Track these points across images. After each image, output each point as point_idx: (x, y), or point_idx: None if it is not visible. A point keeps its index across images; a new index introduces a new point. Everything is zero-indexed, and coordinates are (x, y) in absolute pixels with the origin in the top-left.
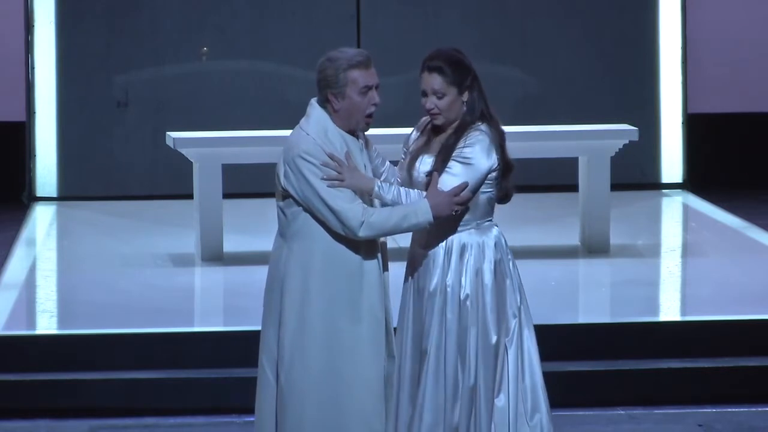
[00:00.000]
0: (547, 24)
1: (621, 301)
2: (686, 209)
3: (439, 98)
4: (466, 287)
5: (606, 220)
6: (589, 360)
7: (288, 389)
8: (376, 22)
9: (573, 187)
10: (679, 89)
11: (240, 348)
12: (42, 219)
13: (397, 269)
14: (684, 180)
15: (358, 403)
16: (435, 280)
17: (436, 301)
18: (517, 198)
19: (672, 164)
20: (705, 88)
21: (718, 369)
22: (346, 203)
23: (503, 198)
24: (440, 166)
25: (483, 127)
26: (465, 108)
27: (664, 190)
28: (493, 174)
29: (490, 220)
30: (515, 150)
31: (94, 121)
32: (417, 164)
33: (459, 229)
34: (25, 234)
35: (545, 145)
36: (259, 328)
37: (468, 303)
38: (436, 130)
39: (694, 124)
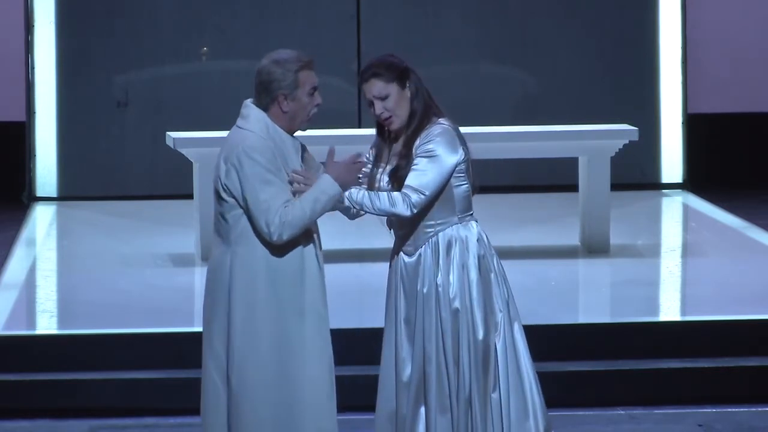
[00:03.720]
0: (547, 24)
1: (621, 301)
2: (686, 209)
3: (384, 100)
4: (454, 284)
5: (606, 220)
6: (589, 360)
7: (241, 393)
8: (376, 21)
9: (573, 187)
10: (679, 89)
11: None
12: (42, 219)
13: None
14: (684, 180)
15: (308, 403)
16: (427, 282)
17: (430, 303)
18: (517, 198)
19: (672, 164)
20: (705, 88)
21: (718, 369)
22: (276, 208)
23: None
24: (403, 162)
25: (443, 120)
26: (413, 102)
27: (664, 190)
28: (462, 166)
29: (471, 215)
30: (516, 150)
31: (94, 121)
32: (378, 176)
33: (442, 225)
34: (25, 234)
35: (545, 145)
36: None
37: (457, 302)
38: (394, 138)
39: (694, 124)
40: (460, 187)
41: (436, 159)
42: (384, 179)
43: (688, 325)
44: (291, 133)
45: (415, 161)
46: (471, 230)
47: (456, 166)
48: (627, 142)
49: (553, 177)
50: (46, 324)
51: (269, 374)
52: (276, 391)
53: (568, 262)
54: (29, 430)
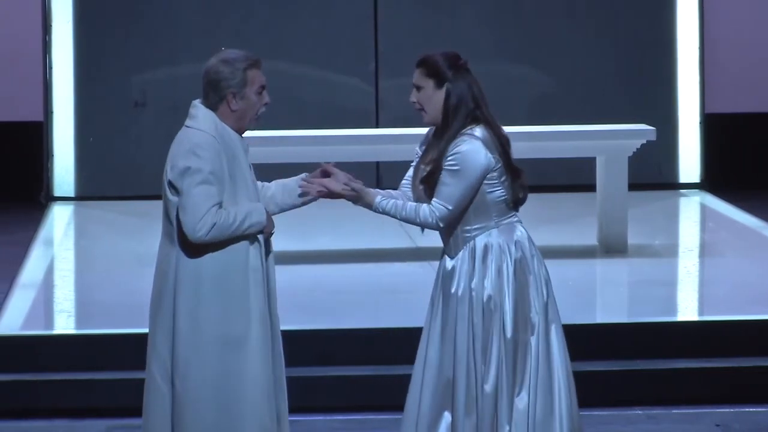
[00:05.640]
0: (563, 24)
1: (638, 301)
2: (704, 209)
3: (418, 90)
4: (488, 288)
5: (623, 220)
6: (606, 360)
7: (185, 396)
8: (393, 22)
9: (591, 187)
10: (697, 89)
11: None
12: (59, 219)
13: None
14: (701, 180)
15: (251, 404)
16: (462, 286)
17: (464, 307)
18: (535, 198)
19: (689, 164)
20: (723, 88)
21: (736, 369)
22: (207, 207)
23: (516, 202)
24: (434, 168)
25: (476, 131)
26: (445, 103)
27: (681, 190)
28: (494, 173)
29: (512, 217)
30: (533, 150)
31: (111, 121)
32: (420, 174)
33: (479, 230)
34: (42, 234)
35: (563, 145)
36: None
37: (491, 305)
38: (436, 135)
39: (711, 124)
40: (494, 192)
41: (458, 173)
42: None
43: (706, 325)
44: (239, 132)
45: (442, 173)
46: (510, 234)
47: (485, 175)
48: (644, 141)
49: (571, 177)
50: (64, 324)
51: (212, 375)
52: (219, 394)
53: (586, 262)
54: (46, 429)
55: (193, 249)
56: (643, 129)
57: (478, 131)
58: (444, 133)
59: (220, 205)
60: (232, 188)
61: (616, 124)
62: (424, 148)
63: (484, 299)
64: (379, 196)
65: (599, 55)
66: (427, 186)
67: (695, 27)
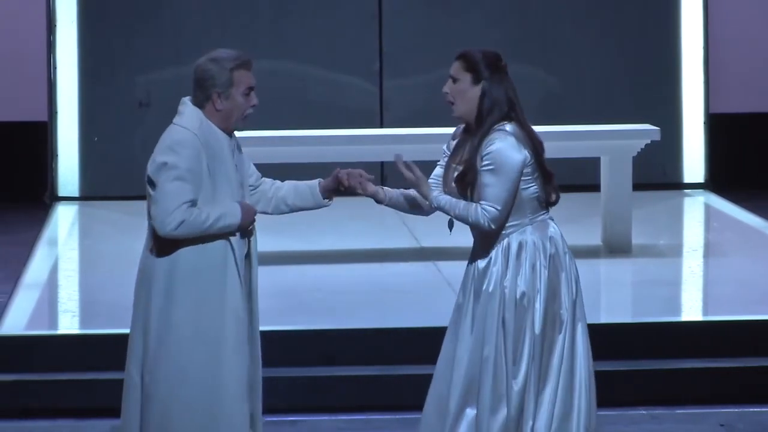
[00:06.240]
0: (568, 24)
1: (642, 301)
2: (708, 209)
3: (454, 82)
4: (522, 285)
5: (628, 220)
6: (610, 360)
7: (154, 391)
8: (397, 21)
9: (595, 187)
10: (701, 89)
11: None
12: (64, 219)
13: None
14: (706, 180)
15: (223, 405)
16: (493, 283)
17: (494, 303)
18: None
19: (694, 164)
20: (727, 88)
21: (740, 369)
22: (179, 203)
23: (549, 203)
24: (468, 167)
25: (507, 126)
26: (480, 101)
27: (685, 190)
28: (528, 169)
29: (544, 214)
30: None
31: (116, 121)
32: (451, 173)
33: (514, 227)
34: (47, 234)
35: (567, 144)
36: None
37: (524, 301)
38: (467, 131)
39: (716, 124)
40: (528, 189)
41: (495, 171)
42: (453, 180)
43: (710, 325)
44: (227, 132)
45: (481, 174)
46: (544, 230)
47: (522, 169)
48: (649, 141)
49: (575, 177)
50: (68, 324)
51: (183, 375)
52: (189, 392)
53: (590, 262)
54: (50, 429)
55: (168, 245)
56: (648, 129)
57: (509, 127)
58: (476, 131)
59: (194, 203)
60: (212, 187)
61: (620, 124)
62: (453, 146)
63: (517, 296)
64: (433, 191)
65: (604, 56)
66: (461, 186)
67: (700, 27)
